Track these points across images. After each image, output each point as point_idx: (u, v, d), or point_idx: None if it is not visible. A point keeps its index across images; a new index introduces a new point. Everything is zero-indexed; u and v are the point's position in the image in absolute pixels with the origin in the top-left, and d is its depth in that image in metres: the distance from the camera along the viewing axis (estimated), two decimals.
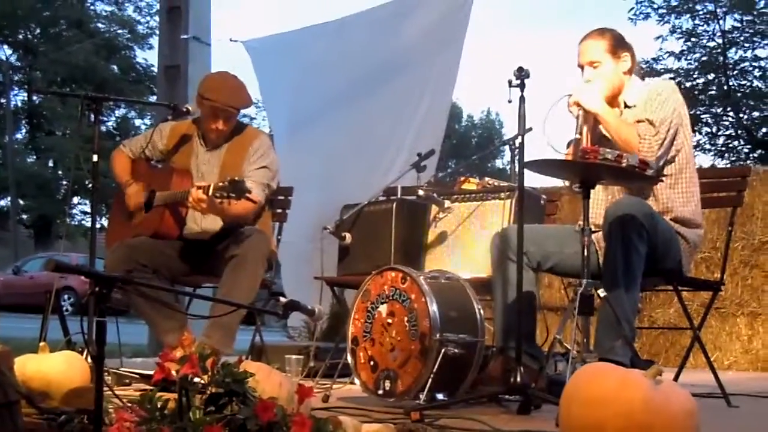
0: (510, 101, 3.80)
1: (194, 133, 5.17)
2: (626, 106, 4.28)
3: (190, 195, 4.62)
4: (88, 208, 36.76)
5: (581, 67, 4.31)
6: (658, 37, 27.05)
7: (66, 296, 21.00)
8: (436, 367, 3.74)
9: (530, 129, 3.92)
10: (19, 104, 39.21)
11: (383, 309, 3.99)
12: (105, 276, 2.39)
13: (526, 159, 3.79)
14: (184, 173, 5.02)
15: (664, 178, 4.15)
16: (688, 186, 4.24)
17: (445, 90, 8.44)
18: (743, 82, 27.57)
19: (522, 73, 3.75)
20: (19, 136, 38.95)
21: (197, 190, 4.58)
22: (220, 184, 4.46)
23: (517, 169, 3.98)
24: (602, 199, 4.30)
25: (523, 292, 3.83)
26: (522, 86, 3.77)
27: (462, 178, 4.89)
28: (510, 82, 3.77)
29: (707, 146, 28.21)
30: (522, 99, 3.79)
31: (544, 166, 3.86)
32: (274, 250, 5.15)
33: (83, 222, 37.79)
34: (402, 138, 8.19)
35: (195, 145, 5.15)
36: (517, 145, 3.95)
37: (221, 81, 5.06)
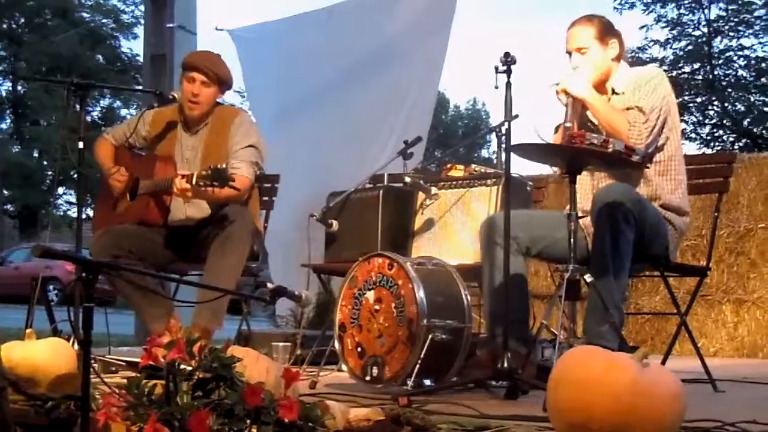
0: (497, 87, 3.80)
1: (177, 119, 5.15)
2: (614, 92, 4.29)
3: (173, 185, 4.61)
4: (73, 199, 36.62)
5: (569, 53, 4.31)
6: (642, 26, 27.10)
7: (51, 286, 20.93)
8: (423, 352, 3.74)
9: (517, 116, 3.92)
10: (4, 94, 39.04)
11: (370, 295, 3.99)
12: (92, 261, 2.38)
13: (513, 144, 3.79)
14: (167, 160, 5.00)
15: (654, 166, 4.16)
16: (677, 173, 4.26)
17: (432, 78, 8.43)
18: (728, 72, 27.61)
19: (508, 59, 3.75)
20: (3, 126, 38.81)
21: (181, 179, 4.57)
22: (203, 172, 4.44)
23: (503, 156, 3.98)
24: (589, 185, 4.30)
25: (514, 278, 3.84)
26: (508, 72, 3.77)
27: (449, 165, 4.88)
28: (497, 68, 3.77)
29: (693, 135, 28.28)
30: (508, 85, 3.79)
31: (530, 151, 3.87)
32: (258, 227, 5.14)
33: (68, 212, 37.70)
34: (390, 127, 8.18)
35: (178, 131, 5.13)
36: (503, 131, 3.95)
37: (200, 51, 5.29)
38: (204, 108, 5.04)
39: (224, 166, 4.50)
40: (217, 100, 5.15)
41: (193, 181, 4.47)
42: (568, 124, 3.99)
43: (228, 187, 4.47)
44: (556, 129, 4.23)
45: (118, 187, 5.09)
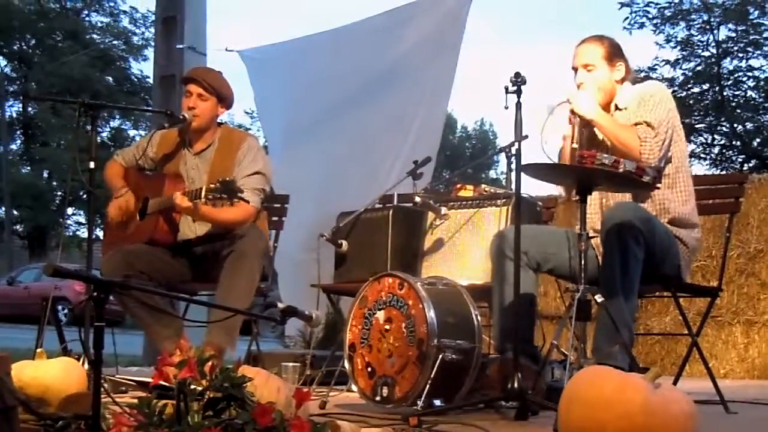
0: (506, 107, 3.80)
1: (181, 138, 5.15)
2: (617, 108, 4.29)
3: (173, 200, 4.62)
4: (82, 219, 36.69)
5: (575, 69, 4.31)
6: (655, 44, 27.10)
7: (60, 306, 20.92)
8: (433, 373, 3.73)
9: (526, 136, 3.92)
10: (14, 115, 39.20)
11: (380, 315, 3.98)
12: (103, 281, 2.38)
13: (523, 164, 3.79)
14: (176, 178, 5.00)
15: (663, 179, 4.15)
16: (686, 185, 4.25)
17: (441, 99, 8.44)
18: (738, 93, 27.59)
19: (519, 79, 3.76)
20: (13, 146, 38.92)
21: (182, 197, 4.57)
22: (212, 186, 4.44)
23: (513, 176, 3.97)
24: (598, 204, 4.29)
25: (522, 293, 3.83)
26: (518, 92, 3.77)
27: (458, 186, 4.88)
28: (506, 88, 3.77)
29: (702, 156, 28.25)
30: (518, 105, 3.79)
31: (540, 171, 3.87)
32: (269, 246, 5.13)
33: (78, 233, 37.74)
34: (399, 147, 8.18)
35: (183, 150, 5.13)
36: (513, 151, 3.94)
37: (199, 66, 5.20)
38: (202, 120, 5.02)
39: (233, 178, 4.50)
40: (222, 118, 5.16)
41: (202, 195, 4.47)
42: (574, 145, 3.97)
43: (237, 199, 4.46)
44: (559, 155, 4.24)
45: (118, 213, 5.09)
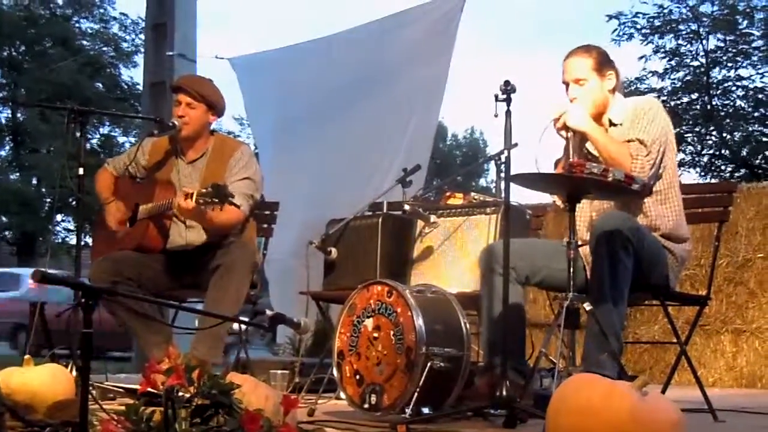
0: (496, 116, 3.80)
1: (174, 147, 5.15)
2: (612, 124, 4.27)
3: (176, 202, 4.61)
4: (71, 226, 36.56)
5: (566, 84, 4.29)
6: (641, 57, 27.12)
7: None
8: (422, 380, 3.73)
9: (516, 144, 3.92)
10: (3, 121, 39.07)
11: (369, 323, 3.98)
12: (91, 287, 2.38)
13: (512, 174, 3.80)
14: (167, 185, 4.99)
15: (654, 195, 4.16)
16: (677, 201, 4.25)
17: (433, 107, 8.44)
18: (726, 102, 27.64)
19: (508, 87, 3.76)
20: (2, 153, 38.80)
21: (185, 198, 4.56)
22: (203, 190, 4.43)
23: (503, 184, 3.98)
24: (587, 214, 4.29)
25: (511, 307, 3.83)
26: (508, 100, 3.78)
27: (448, 194, 4.88)
28: (496, 97, 3.78)
29: (691, 165, 28.28)
30: (508, 113, 3.79)
31: (530, 180, 3.87)
32: (258, 260, 5.12)
33: (67, 239, 37.60)
34: (390, 155, 8.18)
35: (175, 159, 5.13)
36: (503, 159, 3.95)
37: (187, 74, 5.22)
38: (192, 129, 5.01)
39: (224, 183, 4.49)
40: (213, 126, 5.15)
41: (194, 199, 4.47)
42: (571, 161, 3.97)
43: (228, 204, 4.46)
44: (556, 164, 4.23)
45: (111, 223, 5.10)
